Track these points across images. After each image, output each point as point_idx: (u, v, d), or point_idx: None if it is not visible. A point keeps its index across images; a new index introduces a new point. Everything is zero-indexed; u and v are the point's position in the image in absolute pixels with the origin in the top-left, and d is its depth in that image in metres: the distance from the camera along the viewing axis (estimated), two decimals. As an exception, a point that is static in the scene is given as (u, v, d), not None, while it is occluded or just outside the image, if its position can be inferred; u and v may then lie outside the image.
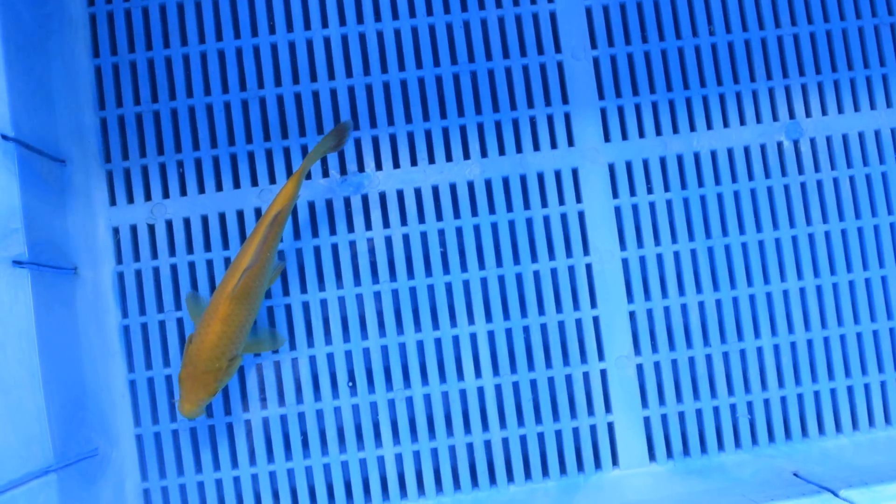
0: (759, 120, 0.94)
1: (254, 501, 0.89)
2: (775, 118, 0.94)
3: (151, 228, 0.90)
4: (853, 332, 0.93)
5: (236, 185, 0.91)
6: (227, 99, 0.91)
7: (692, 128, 0.93)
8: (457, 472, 0.90)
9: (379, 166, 0.92)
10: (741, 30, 0.94)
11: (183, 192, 0.91)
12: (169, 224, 0.90)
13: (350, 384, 0.89)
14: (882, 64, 0.95)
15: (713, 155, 0.93)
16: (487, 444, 0.90)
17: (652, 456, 0.91)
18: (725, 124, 0.94)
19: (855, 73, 0.95)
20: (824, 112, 0.95)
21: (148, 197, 0.91)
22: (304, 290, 0.90)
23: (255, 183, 0.91)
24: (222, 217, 0.90)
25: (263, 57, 0.92)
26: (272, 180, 0.91)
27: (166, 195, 0.91)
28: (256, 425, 0.89)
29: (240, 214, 0.90)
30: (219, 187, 0.91)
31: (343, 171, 0.91)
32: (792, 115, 0.94)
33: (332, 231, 0.91)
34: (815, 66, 0.95)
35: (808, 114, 0.95)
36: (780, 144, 0.94)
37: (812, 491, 0.81)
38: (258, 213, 0.90)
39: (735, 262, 0.92)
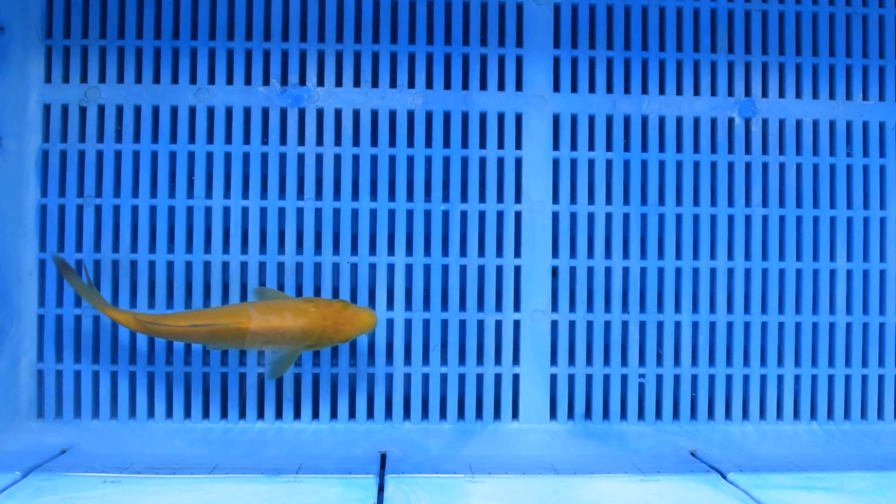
0: (713, 92, 0.92)
1: (146, 399, 0.87)
2: (731, 93, 0.92)
3: (83, 111, 0.89)
4: (775, 321, 0.92)
5: (174, 79, 0.89)
6: (177, -8, 0.89)
7: (644, 90, 0.91)
8: (354, 402, 0.89)
9: (321, 82, 0.90)
10: (710, -2, 0.92)
11: (120, 80, 0.89)
12: (101, 109, 0.89)
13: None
14: (848, 54, 0.93)
15: (661, 121, 0.91)
16: (388, 378, 0.89)
17: (553, 414, 0.90)
18: (679, 91, 0.92)
19: (819, 59, 0.93)
20: (782, 94, 0.93)
21: (84, 79, 0.89)
22: (227, 195, 0.89)
23: (193, 81, 0.89)
24: (156, 110, 0.89)
25: (220, -46, 0.90)
26: (211, 80, 0.89)
27: (103, 79, 0.89)
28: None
29: (174, 110, 0.89)
30: (156, 79, 0.89)
31: (284, 81, 0.89)
32: (748, 93, 0.92)
33: (265, 140, 0.89)
34: (780, 46, 0.93)
35: (764, 94, 0.92)
36: (731, 120, 0.92)
37: (702, 470, 0.80)
38: (192, 111, 0.89)
39: (666, 233, 0.91)
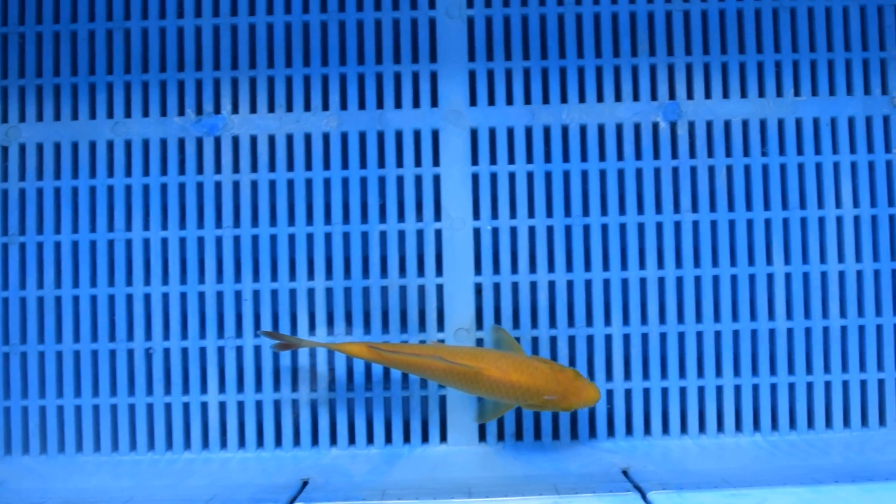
0: (636, 97, 0.89)
1: (74, 433, 0.88)
2: (654, 97, 0.89)
3: (5, 150, 0.90)
4: (711, 330, 0.89)
5: (92, 115, 0.90)
6: (91, 27, 0.90)
7: (564, 99, 0.89)
8: (280, 430, 0.88)
9: (236, 109, 0.90)
10: (627, 0, 0.89)
11: (39, 118, 0.90)
12: (22, 147, 0.90)
13: (151, 351, 0.88)
14: (777, 50, 0.90)
15: (583, 129, 0.89)
16: (313, 404, 0.88)
17: (482, 436, 0.88)
18: (600, 99, 0.89)
19: (746, 56, 0.90)
20: (708, 95, 0.90)
21: (4, 118, 0.90)
22: (146, 227, 0.89)
23: (110, 115, 0.90)
24: (75, 146, 0.89)
25: (133, -12, 0.90)
26: (128, 113, 0.90)
27: (23, 118, 0.90)
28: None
29: (92, 145, 0.89)
30: (74, 116, 0.90)
31: (199, 110, 0.90)
32: (672, 96, 0.90)
33: (182, 170, 0.89)
34: (704, 45, 0.90)
35: (690, 95, 0.90)
36: (655, 125, 0.89)
37: (624, 489, 0.77)
38: (110, 145, 0.89)
39: (592, 244, 0.88)
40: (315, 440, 0.88)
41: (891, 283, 0.89)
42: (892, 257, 0.89)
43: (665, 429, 0.88)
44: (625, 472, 0.83)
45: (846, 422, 0.89)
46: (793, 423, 0.89)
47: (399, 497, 0.76)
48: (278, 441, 0.88)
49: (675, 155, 0.89)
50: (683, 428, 0.88)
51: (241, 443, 0.88)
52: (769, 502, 0.72)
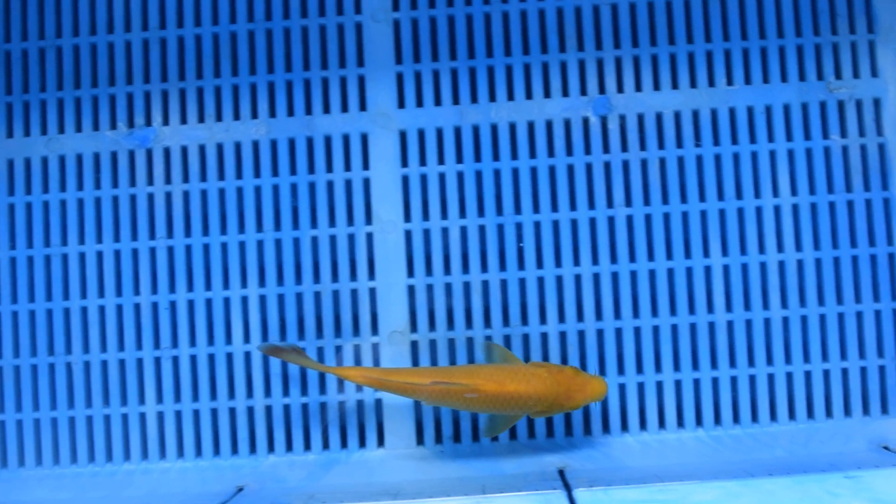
0: (565, 93, 0.89)
1: (16, 447, 0.88)
2: (584, 92, 0.89)
3: (-56, 171, 0.91)
4: (649, 325, 0.87)
5: (27, 132, 0.91)
6: (24, 46, 0.91)
7: (492, 98, 0.89)
8: (218, 439, 0.88)
9: (166, 121, 0.90)
10: (553, -4, 0.89)
11: (-27, 136, 0.91)
12: (-41, 167, 0.91)
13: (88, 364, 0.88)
14: (707, 39, 0.89)
15: (512, 127, 0.89)
16: (250, 411, 0.88)
17: (420, 439, 0.87)
18: (529, 96, 0.89)
19: (677, 47, 0.89)
20: (639, 88, 0.89)
21: (-58, 139, 0.91)
22: (81, 241, 0.89)
23: (44, 132, 0.91)
24: (10, 163, 0.90)
25: (64, 5, 0.91)
26: (61, 129, 0.90)
27: (-42, 138, 0.91)
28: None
29: (27, 161, 0.90)
30: (9, 134, 0.91)
31: (131, 124, 0.90)
32: (602, 90, 0.89)
33: (115, 184, 0.90)
34: (633, 38, 0.89)
35: (620, 89, 0.89)
36: (586, 120, 0.88)
37: (552, 486, 0.76)
38: (45, 161, 0.90)
39: (526, 242, 0.87)
40: (253, 448, 0.88)
41: (833, 271, 0.87)
42: (833, 245, 0.87)
43: (605, 427, 0.87)
44: (561, 472, 0.82)
45: (791, 414, 0.87)
46: (736, 418, 0.87)
47: (324, 500, 0.75)
48: (217, 450, 0.88)
49: (606, 149, 0.88)
50: (624, 426, 0.87)
51: (181, 452, 0.88)
52: (694, 496, 0.71)
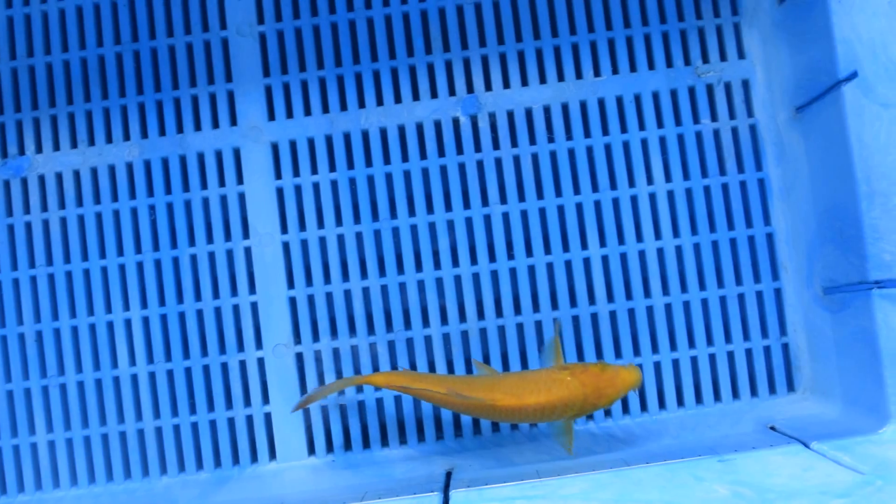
0: (434, 94, 0.89)
1: None
2: (452, 93, 0.89)
3: None
4: (531, 321, 0.87)
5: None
6: None
7: (361, 104, 0.89)
8: (110, 463, 0.87)
9: (39, 149, 0.90)
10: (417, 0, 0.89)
11: None
12: None
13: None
14: (573, 32, 0.89)
15: (383, 132, 0.88)
16: (140, 434, 0.88)
17: (312, 449, 0.87)
18: (398, 100, 0.89)
19: (542, 42, 0.89)
20: (507, 85, 0.89)
21: None
22: (-38, 274, 0.89)
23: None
24: None
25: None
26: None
27: None
28: None
29: None
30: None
31: (4, 153, 0.90)
32: (471, 90, 0.89)
33: (-8, 215, 0.89)
34: (499, 36, 0.89)
35: (488, 87, 0.89)
36: (456, 120, 0.88)
37: (431, 489, 0.76)
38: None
39: (403, 246, 0.87)
40: (146, 471, 0.87)
41: (712, 255, 0.87)
42: (711, 229, 0.87)
43: (495, 426, 0.87)
44: (448, 474, 0.81)
45: (680, 401, 0.87)
46: (625, 409, 0.87)
47: (205, 521, 0.75)
48: (110, 475, 0.88)
49: (478, 148, 0.88)
50: (514, 425, 0.87)
51: (74, 480, 0.88)
52: (564, 489, 0.71)
